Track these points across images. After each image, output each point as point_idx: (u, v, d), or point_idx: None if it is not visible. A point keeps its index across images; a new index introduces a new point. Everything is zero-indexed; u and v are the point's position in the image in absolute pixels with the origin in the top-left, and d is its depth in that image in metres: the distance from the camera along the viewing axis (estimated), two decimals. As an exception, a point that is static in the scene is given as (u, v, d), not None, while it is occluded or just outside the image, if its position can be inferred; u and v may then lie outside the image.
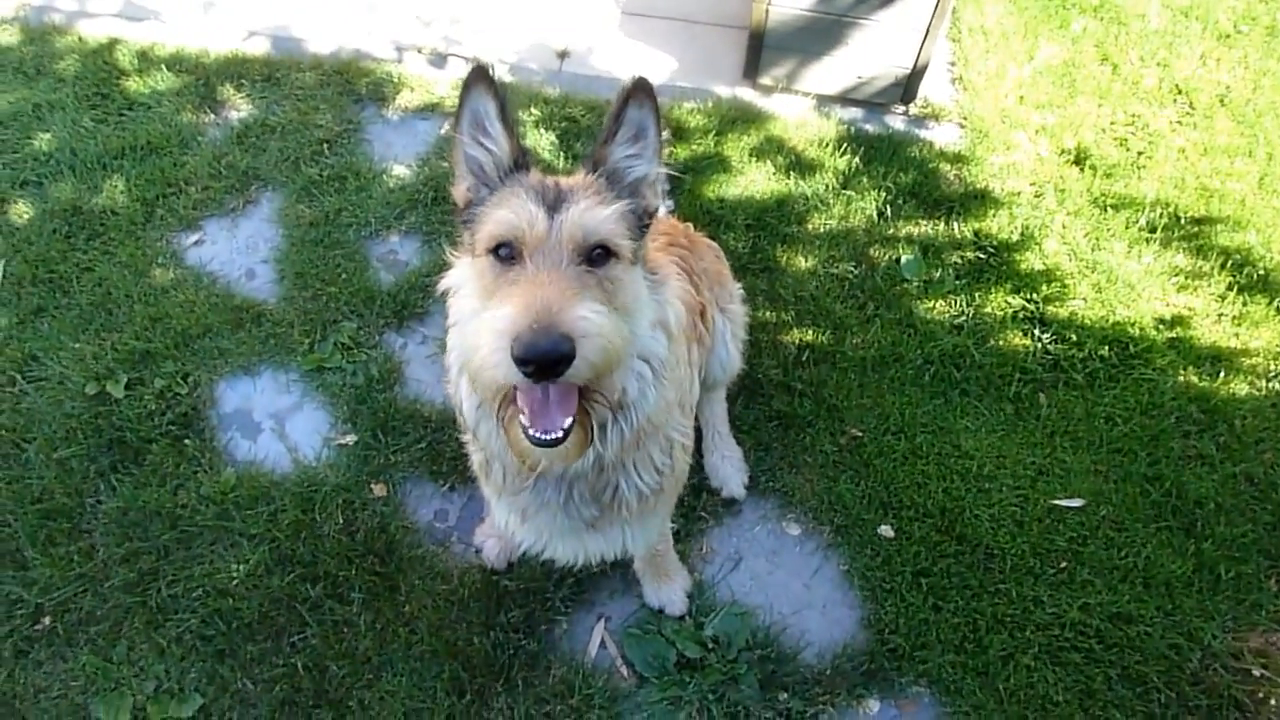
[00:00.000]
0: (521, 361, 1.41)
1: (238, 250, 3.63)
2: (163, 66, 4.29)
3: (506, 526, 2.18)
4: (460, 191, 1.82)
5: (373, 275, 3.53)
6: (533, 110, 4.13)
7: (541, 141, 3.99)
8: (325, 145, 4.00)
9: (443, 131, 4.11)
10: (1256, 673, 2.63)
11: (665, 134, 1.76)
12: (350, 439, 3.06)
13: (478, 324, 1.55)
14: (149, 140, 3.95)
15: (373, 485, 2.95)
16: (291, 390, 3.22)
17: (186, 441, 3.03)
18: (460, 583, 2.75)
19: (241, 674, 2.59)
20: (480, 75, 1.69)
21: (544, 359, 1.40)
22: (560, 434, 1.56)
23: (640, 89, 1.67)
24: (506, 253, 1.62)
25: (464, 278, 1.75)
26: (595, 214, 1.61)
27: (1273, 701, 2.55)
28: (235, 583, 2.72)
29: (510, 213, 1.61)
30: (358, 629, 2.67)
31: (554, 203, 1.62)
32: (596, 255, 1.61)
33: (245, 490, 2.91)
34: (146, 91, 4.19)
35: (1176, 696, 2.63)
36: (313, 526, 2.85)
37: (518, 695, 2.56)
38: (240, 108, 4.18)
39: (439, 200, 3.77)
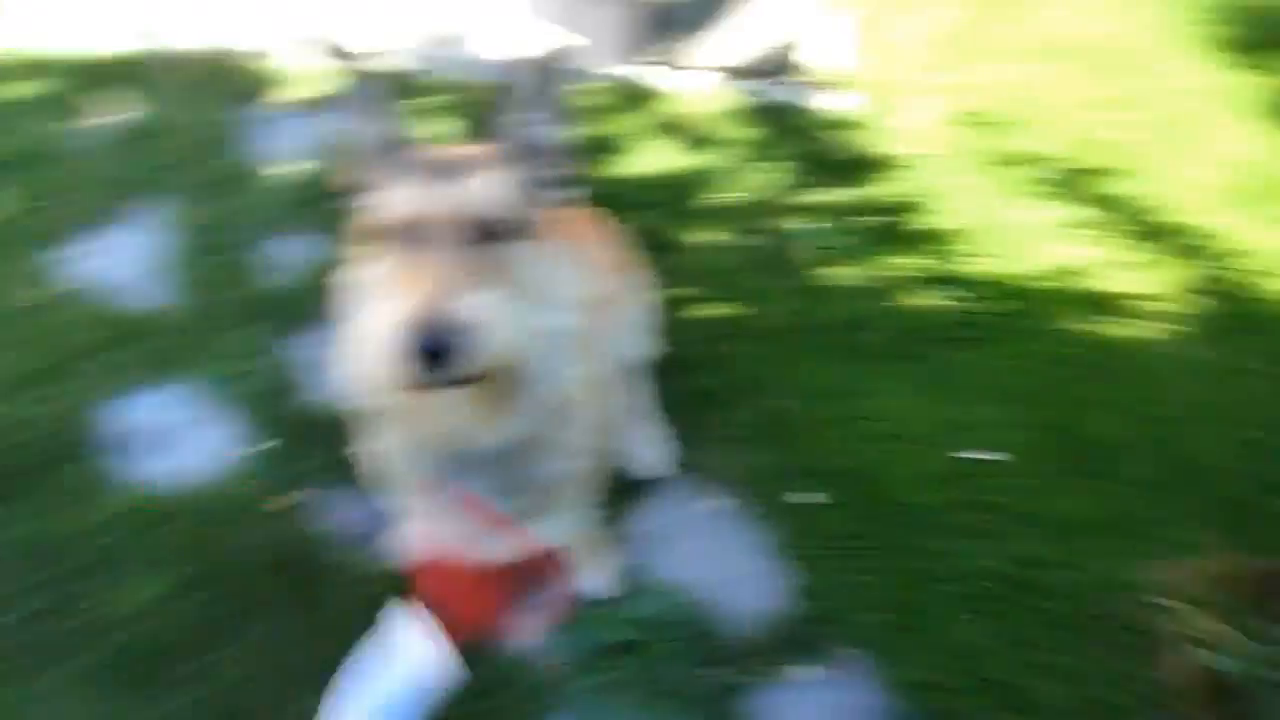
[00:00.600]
0: (410, 360, 1.35)
1: (119, 262, 3.44)
2: (23, 72, 4.04)
3: (426, 529, 2.11)
4: (345, 179, 1.73)
5: (265, 278, 3.39)
6: (418, 99, 4.01)
7: (428, 130, 3.88)
8: (204, 147, 3.82)
9: (327, 125, 3.97)
10: (1167, 604, 2.72)
11: (567, 102, 1.69)
12: (255, 449, 2.94)
13: (363, 320, 1.48)
14: (16, 153, 3.72)
15: (279, 497, 2.83)
16: (188, 403, 3.07)
17: (77, 465, 2.87)
18: (385, 585, 2.66)
19: (164, 700, 2.45)
20: (355, 61, 1.61)
21: (432, 353, 1.34)
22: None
23: (539, 55, 1.64)
24: (394, 238, 1.53)
25: (354, 269, 1.68)
26: (489, 188, 1.54)
27: (1182, 630, 2.63)
28: (139, 611, 2.58)
29: (394, 195, 1.54)
30: (277, 647, 2.56)
31: (441, 178, 1.54)
32: (493, 233, 1.53)
33: (147, 511, 2.77)
34: (10, 99, 3.95)
35: (1093, 634, 2.69)
36: (223, 543, 2.72)
37: (451, 695, 2.50)
38: (112, 113, 3.96)
39: (330, 197, 3.64)
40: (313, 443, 2.95)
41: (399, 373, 1.38)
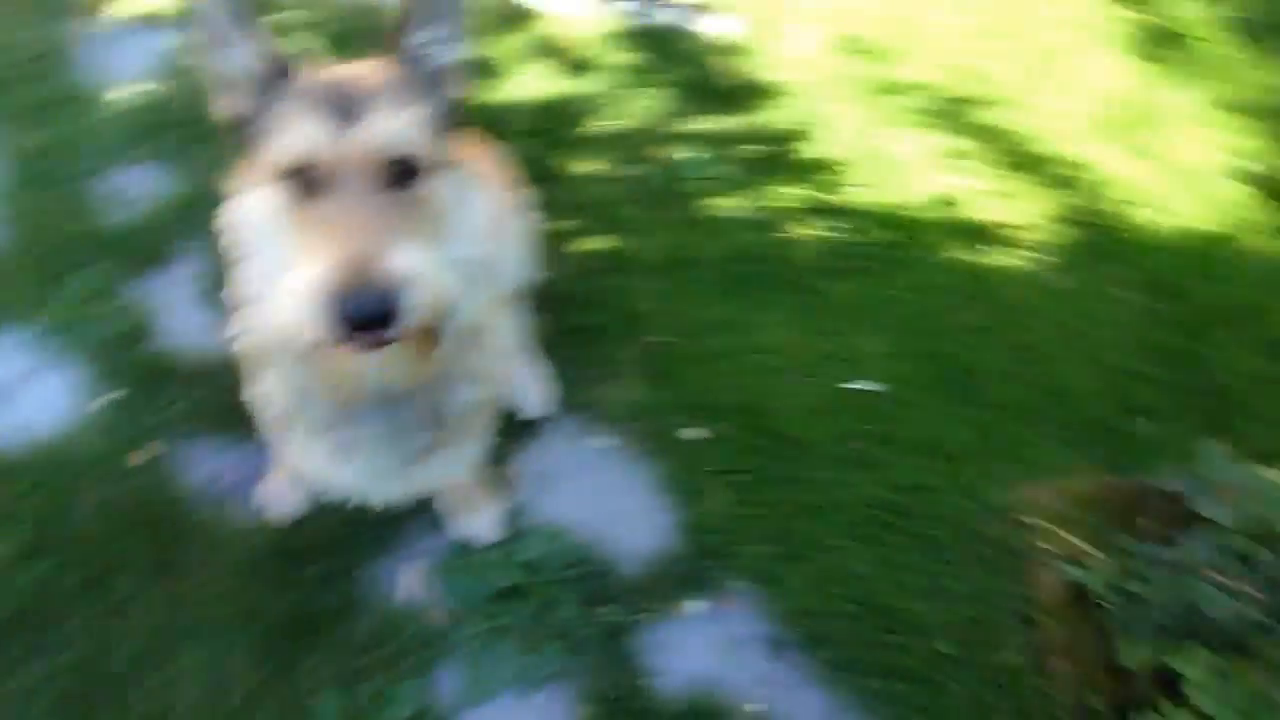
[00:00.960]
0: (339, 327, 1.26)
1: (-61, 196, 3.10)
2: None
3: (322, 474, 1.98)
4: (224, 107, 1.55)
5: (109, 214, 3.11)
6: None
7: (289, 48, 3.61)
8: (34, 66, 3.44)
9: (166, 44, 3.63)
10: (1031, 522, 2.83)
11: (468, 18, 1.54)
12: (102, 402, 2.72)
13: (278, 273, 1.37)
14: None
15: (133, 452, 2.63)
16: (25, 353, 2.81)
17: (-106, 427, 2.60)
18: (247, 544, 2.52)
19: (11, 676, 2.28)
20: None
21: (365, 322, 1.26)
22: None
23: None
24: (298, 182, 1.39)
25: (252, 209, 1.52)
26: (394, 122, 1.40)
27: (1047, 546, 2.75)
28: (-20, 580, 2.38)
29: (293, 134, 1.39)
30: (136, 610, 2.40)
31: (342, 113, 1.38)
32: (403, 171, 1.41)
33: (-20, 473, 2.54)
34: None
35: (965, 554, 2.79)
36: (67, 507, 2.52)
37: (328, 653, 2.40)
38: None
39: (172, 124, 3.35)
40: (167, 392, 2.75)
41: (327, 337, 1.28)
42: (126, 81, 3.49)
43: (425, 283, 1.33)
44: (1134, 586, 2.44)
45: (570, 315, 3.07)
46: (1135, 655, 2.33)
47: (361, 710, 2.34)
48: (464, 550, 2.61)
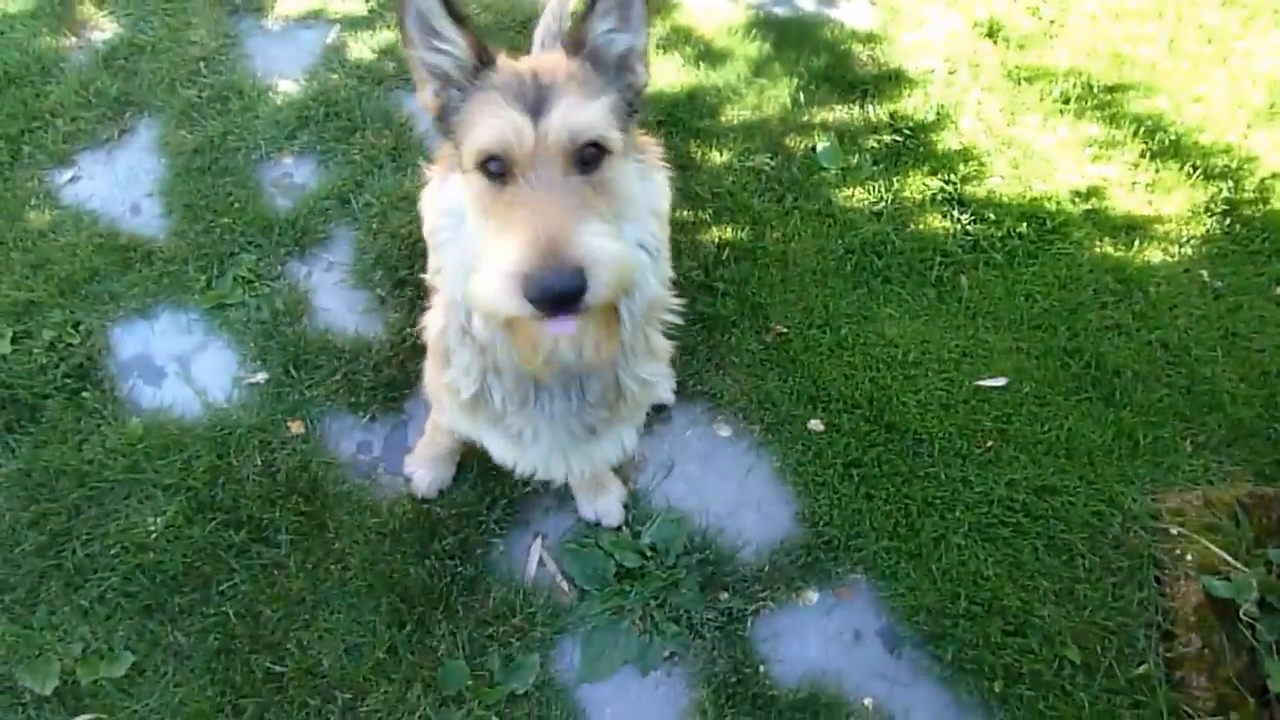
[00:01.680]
0: (535, 302, 1.36)
1: (118, 184, 3.38)
2: (12, -14, 3.91)
3: (502, 456, 2.11)
4: (426, 99, 1.67)
5: (268, 202, 3.33)
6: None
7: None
8: (202, 63, 3.71)
9: (329, 40, 3.85)
10: (1174, 531, 2.73)
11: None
12: (261, 377, 2.93)
13: (479, 252, 1.50)
14: (5, 71, 3.61)
15: (289, 423, 2.83)
16: (193, 330, 3.05)
17: (85, 394, 2.86)
18: (390, 514, 2.68)
19: (172, 627, 2.50)
20: None
21: (558, 297, 1.36)
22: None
23: None
24: (496, 168, 1.50)
25: (454, 195, 1.65)
26: (583, 112, 1.48)
27: (1189, 557, 2.65)
28: (154, 536, 2.61)
29: (492, 124, 1.49)
30: (288, 571, 2.59)
31: (535, 104, 1.48)
32: (590, 156, 1.50)
33: (154, 439, 2.77)
34: (4, 14, 3.82)
35: (1100, 560, 2.72)
36: (230, 471, 2.73)
37: (459, 621, 2.53)
38: (104, 27, 3.84)
39: (332, 116, 3.55)
40: (323, 367, 2.94)
41: (524, 312, 1.39)
42: (287, 77, 3.72)
43: (612, 260, 1.40)
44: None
45: (698, 304, 3.11)
46: (1283, 677, 2.24)
47: (488, 676, 2.46)
48: (590, 530, 2.70)
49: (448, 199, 1.68)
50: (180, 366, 2.98)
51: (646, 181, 1.70)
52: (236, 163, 3.41)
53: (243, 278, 3.11)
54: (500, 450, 2.10)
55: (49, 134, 3.47)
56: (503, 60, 1.61)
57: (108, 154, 3.46)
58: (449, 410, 2.10)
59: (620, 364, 1.88)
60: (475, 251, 1.56)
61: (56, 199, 3.32)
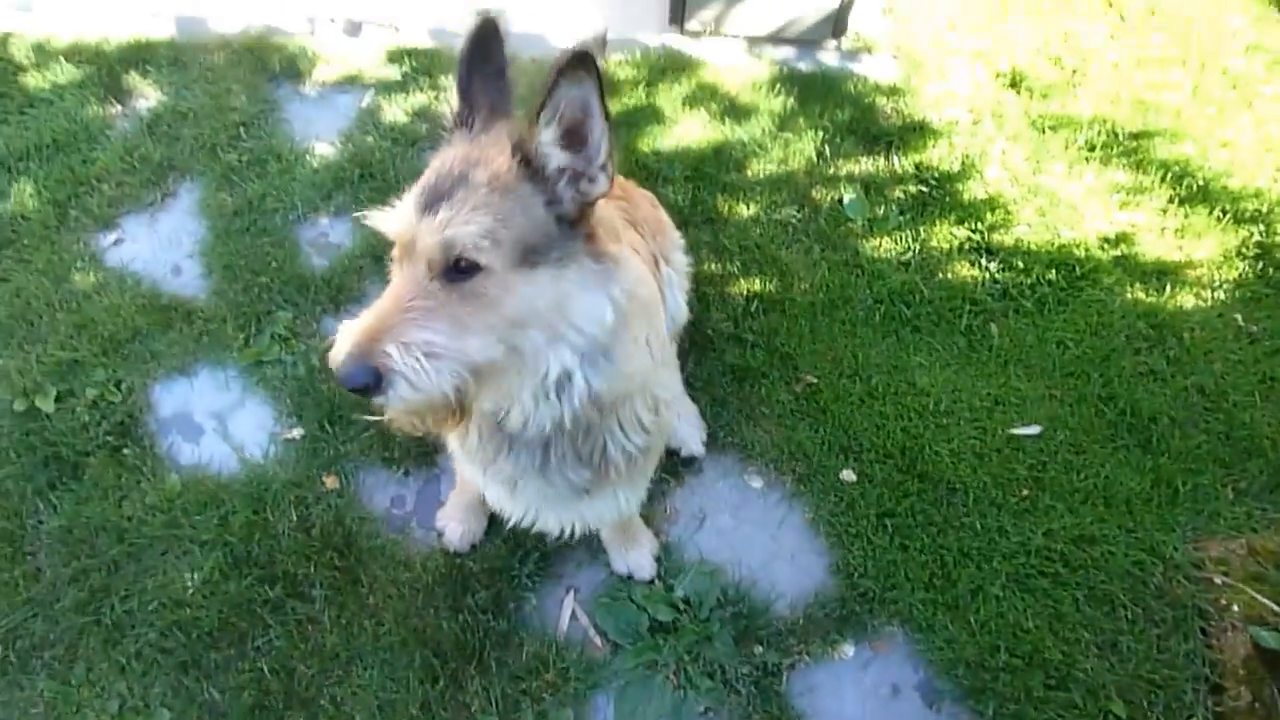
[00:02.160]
0: (342, 384, 1.42)
1: (160, 246, 3.48)
2: (61, 58, 4.07)
3: (496, 502, 2.13)
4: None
5: (304, 261, 3.41)
6: (454, 75, 4.00)
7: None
8: (242, 128, 3.83)
9: (364, 104, 3.96)
10: (1218, 580, 2.67)
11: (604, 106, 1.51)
12: (297, 432, 2.97)
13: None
14: (54, 138, 3.76)
15: (324, 478, 2.86)
16: (231, 388, 3.11)
17: (126, 451, 2.91)
18: (423, 569, 2.69)
19: (207, 684, 2.51)
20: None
21: (353, 390, 1.41)
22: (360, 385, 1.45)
23: (580, 63, 1.38)
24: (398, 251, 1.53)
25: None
26: (458, 227, 1.44)
27: (1235, 607, 2.59)
28: (191, 591, 2.64)
29: (390, 210, 1.53)
30: (323, 626, 2.60)
31: (432, 200, 1.47)
32: (465, 267, 1.46)
33: (192, 495, 2.81)
34: (46, 86, 3.98)
35: (1143, 611, 2.66)
36: (266, 526, 2.76)
37: (492, 676, 2.52)
38: (148, 96, 3.98)
39: (367, 177, 3.65)
40: (353, 425, 2.97)
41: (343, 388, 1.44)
42: (323, 140, 3.83)
43: (413, 374, 1.41)
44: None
45: (728, 355, 3.13)
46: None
47: (523, 732, 2.44)
48: (623, 583, 2.69)
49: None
50: (218, 423, 3.03)
51: (596, 288, 1.59)
52: (274, 224, 3.51)
53: (280, 335, 3.17)
54: (493, 496, 2.11)
55: (94, 198, 3.58)
56: (448, 143, 1.63)
57: (151, 217, 3.57)
58: (452, 447, 2.12)
59: (606, 433, 1.88)
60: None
61: (101, 261, 3.42)
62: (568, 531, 2.18)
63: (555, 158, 1.51)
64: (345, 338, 1.42)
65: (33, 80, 4.01)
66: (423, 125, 3.85)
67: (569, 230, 1.54)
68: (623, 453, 1.93)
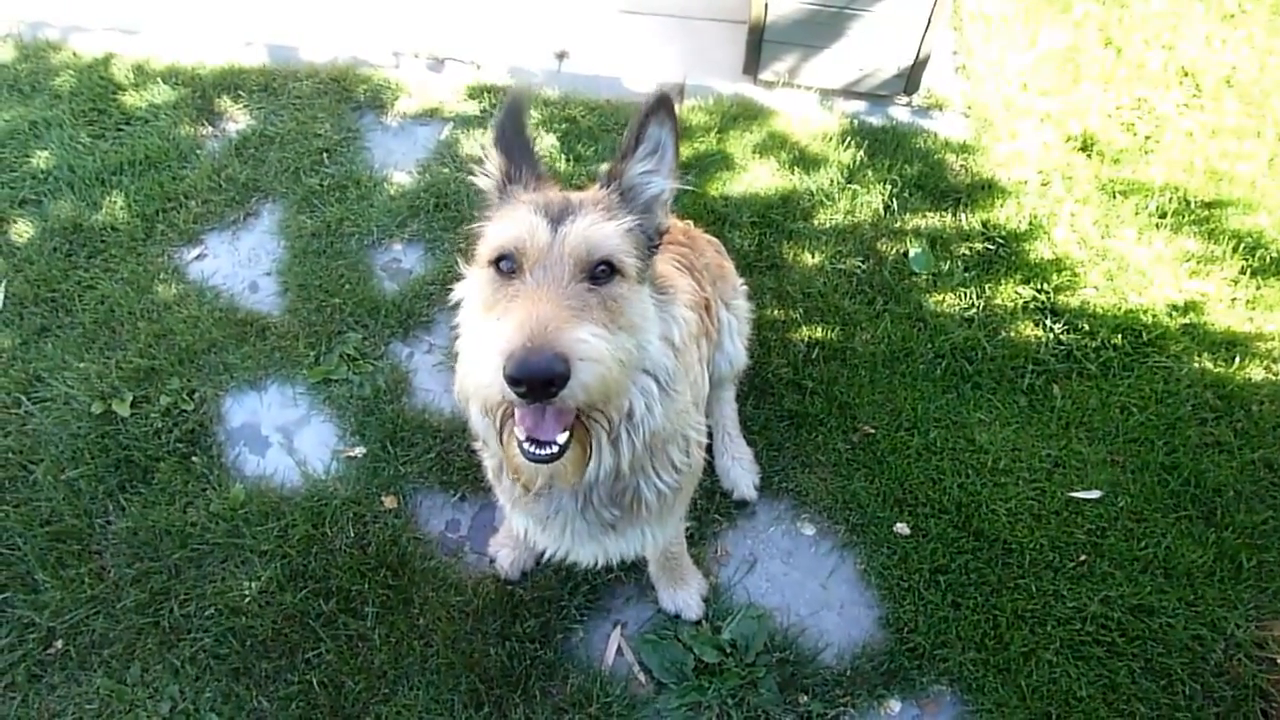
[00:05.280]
0: (514, 381, 1.36)
1: (240, 263, 3.61)
2: (158, 80, 4.27)
3: (526, 534, 2.16)
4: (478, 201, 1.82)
5: (376, 285, 3.51)
6: (533, 112, 4.11)
7: (543, 144, 3.96)
8: (325, 154, 3.97)
9: (443, 136, 4.08)
10: (1275, 658, 2.59)
11: (677, 157, 1.73)
12: (359, 451, 3.04)
13: (476, 339, 1.55)
14: (147, 155, 3.93)
15: (383, 497, 2.92)
16: (298, 403, 3.19)
17: (194, 458, 3.00)
18: (474, 593, 2.72)
19: (257, 692, 2.56)
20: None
21: (536, 379, 1.36)
22: (555, 449, 1.51)
23: (662, 105, 1.62)
24: (508, 265, 1.57)
25: (469, 289, 1.73)
26: (601, 229, 1.56)
27: (1291, 687, 2.51)
28: (248, 600, 2.70)
29: (511, 224, 1.58)
30: (372, 643, 2.64)
31: (558, 216, 1.57)
32: (600, 272, 1.56)
33: (255, 506, 2.88)
34: (143, 106, 4.17)
35: (1201, 688, 2.59)
36: (324, 541, 2.82)
37: (535, 705, 2.53)
38: (238, 119, 4.15)
39: (441, 207, 3.75)
40: (418, 444, 3.03)
41: (505, 391, 1.40)
42: (401, 169, 3.95)
43: (599, 359, 1.43)
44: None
45: (786, 401, 3.14)
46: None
47: (564, 765, 2.44)
48: (670, 622, 2.68)
49: (466, 294, 1.76)
50: (284, 437, 3.11)
51: (661, 312, 1.74)
52: (350, 247, 3.61)
53: (348, 355, 3.25)
54: (521, 525, 2.14)
55: (181, 214, 3.73)
56: (540, 185, 1.74)
57: (233, 234, 3.71)
58: (490, 478, 2.15)
59: (639, 474, 1.91)
60: (473, 343, 1.61)
61: (183, 274, 3.55)
62: (597, 563, 2.19)
63: (650, 184, 1.70)
64: (515, 333, 1.39)
65: (130, 99, 4.20)
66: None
67: (646, 259, 1.68)
68: (655, 492, 1.96)
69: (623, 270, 1.58)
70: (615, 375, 1.47)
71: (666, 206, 1.76)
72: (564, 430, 1.52)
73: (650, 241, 1.72)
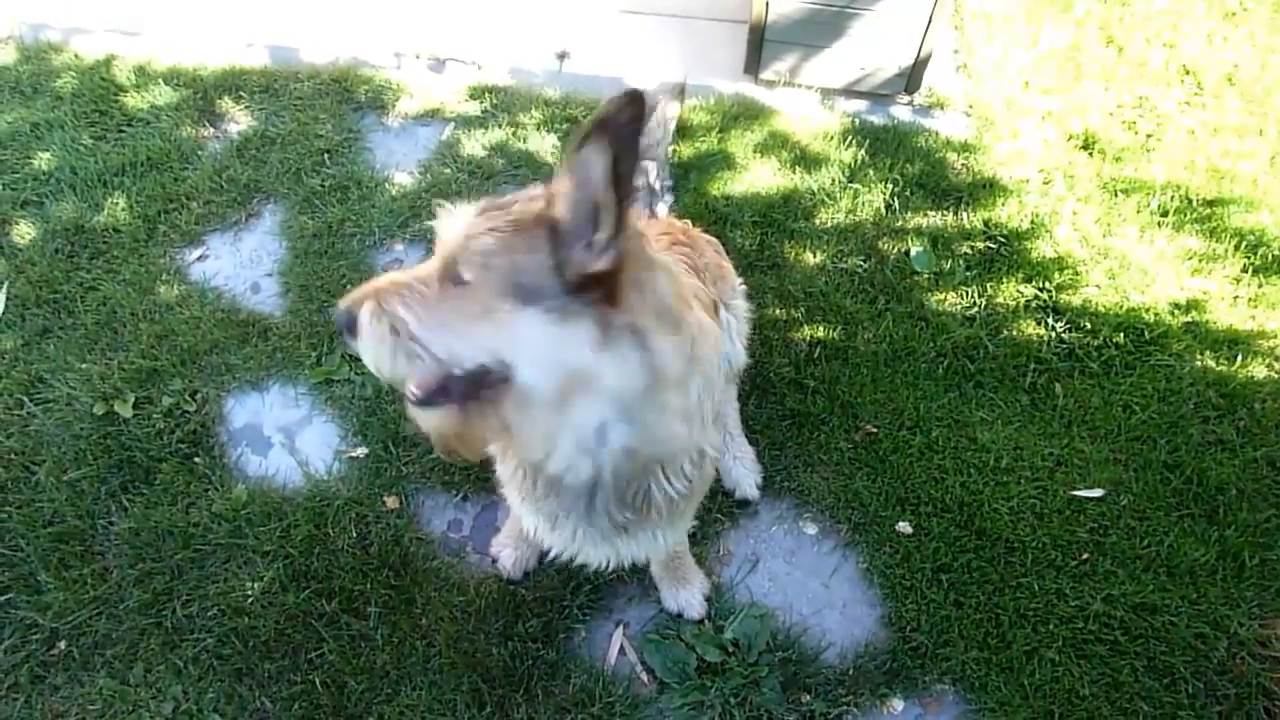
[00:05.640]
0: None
1: (242, 264, 3.61)
2: (160, 81, 4.28)
3: (535, 533, 2.15)
4: None
5: (377, 285, 3.50)
6: (534, 113, 4.11)
7: (544, 144, 3.97)
8: (326, 155, 3.98)
9: (444, 137, 4.09)
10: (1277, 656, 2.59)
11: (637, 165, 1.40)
12: (361, 451, 3.04)
13: None
14: (149, 156, 3.93)
15: (385, 497, 2.92)
16: (300, 404, 3.19)
17: (196, 459, 3.01)
18: (477, 593, 2.72)
19: (260, 693, 2.56)
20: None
21: (336, 324, 1.60)
22: (414, 397, 1.59)
23: (599, 129, 1.31)
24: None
25: None
26: (462, 238, 1.48)
27: (1292, 685, 2.51)
28: (250, 600, 2.70)
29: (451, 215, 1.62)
30: (375, 644, 2.64)
31: (480, 210, 1.53)
32: (456, 277, 1.48)
33: (257, 506, 2.89)
34: (145, 107, 4.18)
35: (1204, 686, 2.59)
36: (326, 541, 2.82)
37: (538, 705, 2.53)
38: (239, 120, 4.16)
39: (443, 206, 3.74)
40: (416, 447, 3.03)
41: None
42: (403, 170, 3.96)
43: (378, 335, 1.53)
44: None
45: (788, 401, 3.14)
46: None
47: (567, 764, 2.44)
48: (673, 621, 2.68)
49: None
50: (286, 437, 3.11)
51: (603, 353, 1.48)
52: (351, 248, 3.62)
53: (350, 356, 3.25)
54: (532, 525, 2.13)
55: (183, 215, 3.73)
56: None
57: (235, 235, 3.71)
58: (503, 477, 2.14)
59: (651, 478, 1.89)
60: None
61: (185, 275, 3.55)
62: (608, 564, 2.18)
63: (564, 218, 1.42)
64: (360, 288, 1.57)
65: (132, 101, 4.20)
66: (499, 159, 3.95)
67: (572, 288, 1.44)
68: (665, 496, 1.94)
69: (470, 281, 1.50)
70: (391, 359, 1.56)
71: (608, 251, 1.41)
72: (425, 389, 1.58)
73: (570, 275, 1.45)
